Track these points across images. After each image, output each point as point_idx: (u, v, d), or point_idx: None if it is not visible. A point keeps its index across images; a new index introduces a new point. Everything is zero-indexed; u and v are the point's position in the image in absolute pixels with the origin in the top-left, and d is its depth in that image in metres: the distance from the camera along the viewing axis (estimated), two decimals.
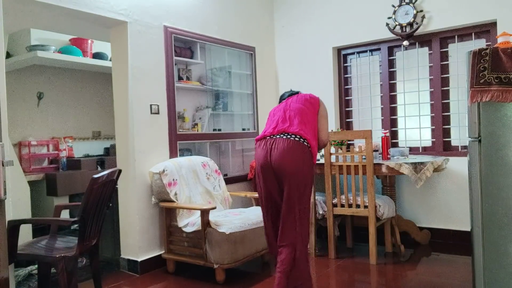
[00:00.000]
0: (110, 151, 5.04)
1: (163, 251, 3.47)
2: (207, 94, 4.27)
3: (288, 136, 2.52)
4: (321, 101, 2.78)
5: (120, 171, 2.68)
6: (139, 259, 3.38)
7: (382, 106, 4.42)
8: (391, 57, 4.37)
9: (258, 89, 4.71)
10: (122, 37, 3.41)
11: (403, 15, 4.07)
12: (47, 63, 4.54)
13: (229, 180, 4.17)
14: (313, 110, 2.71)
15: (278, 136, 2.55)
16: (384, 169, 3.47)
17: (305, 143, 2.52)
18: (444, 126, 4.08)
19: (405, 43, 4.10)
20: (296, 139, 2.52)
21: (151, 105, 3.52)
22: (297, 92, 2.88)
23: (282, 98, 2.90)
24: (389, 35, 4.20)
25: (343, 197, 3.61)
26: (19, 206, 3.32)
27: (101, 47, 4.89)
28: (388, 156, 3.73)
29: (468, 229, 2.39)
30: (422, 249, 3.83)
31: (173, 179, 3.35)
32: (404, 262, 3.48)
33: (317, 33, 4.66)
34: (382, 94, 4.42)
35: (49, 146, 4.69)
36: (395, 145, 4.35)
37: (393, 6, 4.12)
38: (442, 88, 4.07)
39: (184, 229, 3.24)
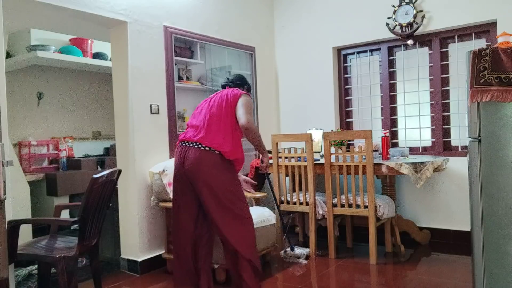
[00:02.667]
0: (110, 151, 5.05)
1: (163, 251, 3.47)
2: (207, 94, 4.26)
3: (199, 146, 2.60)
4: (242, 96, 2.71)
5: (120, 171, 2.68)
6: (139, 259, 3.38)
7: (382, 106, 4.42)
8: (391, 57, 4.37)
9: (258, 89, 4.71)
10: (122, 37, 3.41)
11: (403, 15, 4.07)
12: (47, 63, 4.54)
13: None
14: (230, 110, 2.68)
15: (190, 145, 2.63)
16: (384, 169, 3.47)
17: (216, 152, 2.58)
18: (444, 126, 4.08)
19: (410, 42, 4.09)
20: (207, 149, 2.58)
21: (151, 105, 3.52)
22: (226, 85, 2.90)
23: (225, 82, 2.96)
24: (389, 35, 4.20)
25: (343, 197, 3.61)
26: (19, 206, 3.32)
27: (101, 47, 4.89)
28: (388, 156, 3.73)
29: (468, 229, 2.39)
30: (422, 249, 3.83)
31: None
32: (404, 262, 3.48)
33: (317, 33, 4.65)
34: (382, 94, 4.42)
35: (49, 146, 4.69)
36: (395, 145, 4.34)
37: (393, 6, 4.11)
38: (442, 88, 4.07)
39: None
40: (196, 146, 2.60)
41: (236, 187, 2.68)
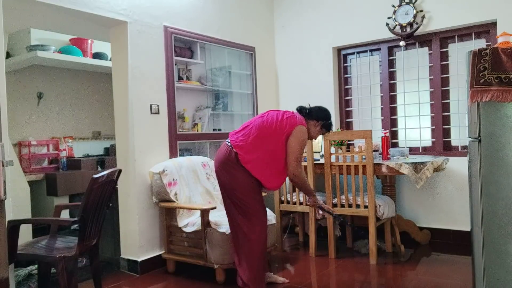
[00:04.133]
0: (110, 151, 5.04)
1: (163, 251, 3.47)
2: (207, 94, 4.27)
3: (230, 146, 2.72)
4: (296, 130, 2.66)
5: (120, 171, 2.68)
6: (139, 259, 3.38)
7: (382, 106, 4.42)
8: (391, 57, 4.37)
9: (258, 89, 4.71)
10: (122, 37, 3.41)
11: (403, 15, 4.07)
12: (47, 63, 4.54)
13: None
14: (279, 133, 2.65)
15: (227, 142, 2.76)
16: (384, 169, 3.47)
17: (233, 150, 2.68)
18: (444, 126, 4.08)
19: (402, 43, 4.10)
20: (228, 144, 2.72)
21: (151, 105, 3.52)
22: (296, 111, 2.83)
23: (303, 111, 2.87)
24: (389, 35, 4.20)
25: (343, 197, 3.61)
26: (19, 206, 3.32)
27: (101, 47, 4.88)
28: (388, 156, 3.73)
29: (468, 229, 2.39)
30: (422, 249, 3.83)
31: (173, 179, 3.35)
32: (404, 262, 3.48)
33: (317, 33, 4.65)
34: (382, 94, 4.42)
35: (49, 146, 4.69)
36: (395, 145, 4.34)
37: (393, 6, 4.11)
38: (442, 88, 4.07)
39: (184, 229, 3.24)
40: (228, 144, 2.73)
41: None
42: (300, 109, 2.88)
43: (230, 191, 2.72)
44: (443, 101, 4.07)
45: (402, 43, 4.10)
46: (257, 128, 2.69)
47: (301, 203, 3.79)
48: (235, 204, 2.72)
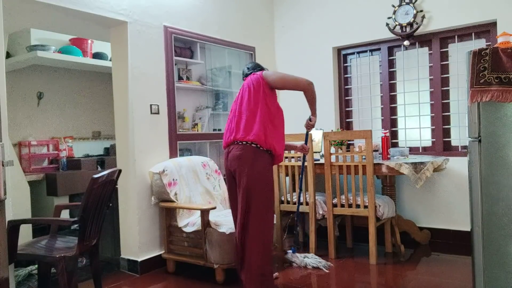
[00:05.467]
0: (110, 151, 5.05)
1: (163, 251, 3.47)
2: (207, 94, 4.27)
3: (239, 143, 2.69)
4: (264, 75, 2.77)
5: (120, 171, 2.68)
6: (139, 259, 3.38)
7: (382, 106, 4.42)
8: (391, 57, 4.37)
9: None
10: (122, 37, 3.41)
11: (403, 15, 4.07)
12: (47, 63, 4.54)
13: None
14: (258, 95, 2.71)
15: (232, 144, 2.74)
16: (384, 169, 3.47)
17: (254, 146, 2.66)
18: (444, 126, 4.08)
19: (406, 42, 4.10)
20: (245, 144, 2.67)
21: (151, 105, 3.52)
22: (251, 73, 2.89)
23: (243, 75, 3.00)
24: (389, 35, 4.20)
25: (343, 197, 3.61)
26: (19, 206, 3.32)
27: (101, 47, 4.89)
28: (388, 156, 3.73)
29: (468, 229, 2.39)
30: (422, 249, 3.83)
31: (173, 179, 3.35)
32: (404, 262, 3.48)
33: (317, 33, 4.65)
34: (382, 94, 4.42)
35: (49, 146, 4.69)
36: (395, 145, 4.34)
37: (393, 6, 4.11)
38: (442, 88, 4.07)
39: (184, 229, 3.24)
40: (235, 144, 2.71)
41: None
42: (247, 74, 2.95)
43: (251, 183, 2.61)
44: (443, 101, 4.07)
45: (406, 42, 4.09)
46: (242, 109, 2.74)
47: (301, 203, 3.79)
48: (253, 196, 2.61)
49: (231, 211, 2.95)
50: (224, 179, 3.91)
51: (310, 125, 3.10)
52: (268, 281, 2.65)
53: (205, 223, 3.09)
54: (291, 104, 4.96)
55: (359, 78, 4.59)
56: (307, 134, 3.31)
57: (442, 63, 4.07)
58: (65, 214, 4.10)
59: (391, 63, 4.38)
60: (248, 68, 2.99)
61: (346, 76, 4.66)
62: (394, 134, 4.37)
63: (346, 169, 3.55)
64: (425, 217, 4.09)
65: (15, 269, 3.11)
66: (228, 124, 2.86)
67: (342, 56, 4.64)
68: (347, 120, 4.65)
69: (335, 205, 3.64)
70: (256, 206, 2.62)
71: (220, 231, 3.04)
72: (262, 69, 2.97)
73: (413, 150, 4.24)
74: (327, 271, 3.29)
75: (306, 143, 3.30)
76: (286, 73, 2.87)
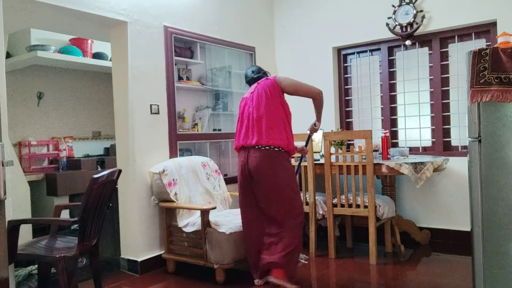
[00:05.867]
0: (110, 151, 5.05)
1: (163, 251, 3.47)
2: (207, 94, 4.27)
3: (259, 147, 2.82)
4: (278, 80, 2.94)
5: (120, 171, 2.68)
6: (139, 259, 3.38)
7: (382, 106, 4.42)
8: (391, 57, 4.37)
9: None
10: (122, 37, 3.41)
11: (403, 15, 4.07)
12: (47, 63, 4.54)
13: (229, 180, 4.17)
14: (275, 100, 2.88)
15: (250, 147, 2.85)
16: (384, 169, 3.47)
17: (274, 149, 2.82)
18: (444, 126, 4.08)
19: (408, 42, 4.10)
20: (265, 148, 2.81)
21: (151, 105, 3.52)
22: (258, 77, 3.08)
23: (248, 79, 3.16)
24: (389, 35, 4.20)
25: (343, 197, 3.61)
26: (19, 206, 3.32)
27: (101, 47, 4.89)
28: (388, 156, 3.73)
29: (468, 229, 2.39)
30: (422, 249, 3.83)
31: (173, 179, 3.35)
32: (404, 262, 3.48)
33: (317, 33, 4.65)
34: (382, 94, 4.42)
35: (49, 146, 4.69)
36: (395, 145, 4.35)
37: (393, 6, 4.11)
38: (442, 88, 4.07)
39: (184, 229, 3.24)
40: (257, 147, 2.83)
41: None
42: (253, 79, 3.12)
43: (280, 181, 2.83)
44: (443, 101, 4.07)
45: (408, 42, 4.09)
46: (260, 113, 2.86)
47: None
48: (285, 190, 2.84)
49: (241, 209, 3.02)
50: (225, 178, 3.93)
51: (314, 129, 3.23)
52: (297, 257, 2.96)
53: (205, 223, 3.09)
54: (289, 104, 4.96)
55: (359, 78, 4.59)
56: (309, 137, 3.38)
57: (442, 63, 4.07)
58: (65, 214, 4.10)
59: (391, 63, 4.38)
60: (253, 72, 3.14)
61: (346, 76, 4.66)
62: (394, 134, 4.37)
63: (346, 169, 3.55)
64: (425, 217, 4.09)
65: (15, 269, 3.11)
66: (242, 126, 2.96)
67: (342, 56, 4.64)
68: (347, 120, 4.65)
69: (335, 205, 3.64)
70: (288, 197, 2.85)
71: (220, 231, 3.04)
72: (265, 72, 3.15)
73: (413, 150, 4.24)
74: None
75: (306, 145, 3.36)
76: (296, 80, 2.99)
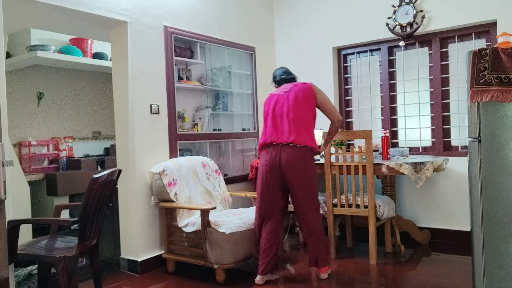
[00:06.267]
0: (110, 151, 5.04)
1: (163, 251, 3.47)
2: (207, 94, 4.27)
3: (293, 145, 2.99)
4: (314, 89, 3.13)
5: (120, 171, 2.68)
6: (139, 259, 3.38)
7: (382, 106, 4.42)
8: (391, 57, 4.37)
9: (258, 89, 4.71)
10: (122, 37, 3.41)
11: (403, 15, 4.07)
12: (47, 63, 4.54)
13: (229, 180, 4.17)
14: (310, 105, 3.09)
15: (284, 145, 3.00)
16: (384, 169, 3.47)
17: (307, 148, 3.02)
18: (444, 126, 4.08)
19: (401, 43, 4.11)
20: (299, 146, 2.99)
21: (151, 105, 3.52)
22: (291, 78, 3.27)
23: (277, 79, 3.33)
24: (389, 35, 4.20)
25: (343, 197, 3.61)
26: (19, 206, 3.32)
27: (101, 47, 4.88)
28: (388, 156, 3.73)
29: (468, 229, 2.39)
30: (422, 249, 3.83)
31: (173, 179, 3.35)
32: (404, 262, 3.48)
33: (317, 33, 4.65)
34: (382, 94, 4.42)
35: (49, 146, 4.69)
36: (395, 145, 4.35)
37: (393, 6, 4.12)
38: (442, 88, 4.07)
39: (184, 229, 3.24)
40: (291, 145, 3.00)
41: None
42: (284, 80, 3.30)
43: (308, 176, 3.03)
44: (443, 101, 4.07)
45: (401, 43, 4.10)
46: (295, 114, 3.04)
47: None
48: (310, 184, 3.05)
49: (261, 203, 3.10)
50: (225, 178, 3.93)
51: (320, 150, 3.32)
52: (326, 240, 3.20)
53: (205, 223, 3.09)
54: None
55: (359, 78, 4.59)
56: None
57: (442, 63, 4.07)
58: (65, 214, 4.09)
59: (391, 63, 4.38)
60: (285, 73, 3.31)
61: (346, 76, 4.66)
62: (394, 134, 4.37)
63: (346, 169, 3.55)
64: (425, 217, 4.09)
65: (15, 269, 3.11)
66: (274, 123, 3.09)
67: (342, 56, 4.64)
68: (347, 120, 4.65)
69: (335, 205, 3.64)
70: (312, 191, 3.08)
71: (220, 231, 3.04)
72: (294, 76, 3.34)
73: (413, 150, 4.24)
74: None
75: None
76: (328, 98, 3.20)
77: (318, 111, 3.16)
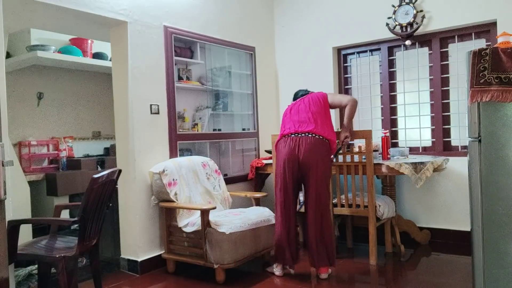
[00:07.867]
0: (110, 151, 5.05)
1: (163, 251, 3.47)
2: (207, 94, 4.27)
3: (312, 135, 3.13)
4: (328, 95, 3.41)
5: (120, 171, 2.68)
6: (139, 259, 3.38)
7: (382, 106, 4.42)
8: (391, 57, 4.37)
9: (258, 89, 4.71)
10: (122, 37, 3.41)
11: (403, 15, 4.07)
12: (47, 63, 4.54)
13: (229, 180, 4.17)
14: (325, 106, 3.31)
15: (303, 135, 3.14)
16: (384, 169, 3.47)
17: (325, 140, 3.16)
18: (444, 126, 4.08)
19: (407, 42, 4.10)
20: (318, 137, 3.13)
21: (151, 105, 3.53)
22: (308, 92, 3.48)
23: (296, 96, 3.52)
24: (389, 35, 4.20)
25: (343, 197, 3.61)
26: (19, 206, 3.32)
27: (101, 47, 4.89)
28: (388, 156, 3.73)
29: (468, 229, 2.39)
30: (422, 249, 3.83)
31: (173, 179, 3.35)
32: (404, 262, 3.48)
33: (317, 33, 4.66)
34: (382, 94, 4.42)
35: (49, 146, 4.69)
36: (395, 145, 4.35)
37: (393, 6, 4.12)
38: (442, 88, 4.07)
39: (184, 229, 3.24)
40: (310, 135, 3.14)
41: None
42: (303, 94, 3.50)
43: (320, 168, 3.10)
44: (443, 101, 4.07)
45: (408, 42, 4.09)
46: (312, 112, 3.26)
47: (301, 204, 3.78)
48: (321, 181, 3.11)
49: (280, 196, 3.17)
50: (225, 178, 3.93)
51: (341, 141, 3.47)
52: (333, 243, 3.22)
53: (205, 223, 3.09)
54: None
55: (359, 78, 4.59)
56: (338, 150, 3.53)
57: (442, 63, 4.07)
58: (65, 214, 4.10)
59: (391, 63, 4.38)
60: (304, 91, 3.53)
61: (346, 76, 4.66)
62: (394, 134, 4.37)
63: (346, 169, 3.55)
64: (425, 217, 4.09)
65: (15, 269, 3.11)
66: (291, 118, 3.28)
67: (342, 56, 4.64)
68: None
69: (335, 205, 3.64)
70: (326, 183, 3.16)
71: (220, 231, 3.04)
72: (310, 92, 3.54)
73: (413, 150, 4.24)
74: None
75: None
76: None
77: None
